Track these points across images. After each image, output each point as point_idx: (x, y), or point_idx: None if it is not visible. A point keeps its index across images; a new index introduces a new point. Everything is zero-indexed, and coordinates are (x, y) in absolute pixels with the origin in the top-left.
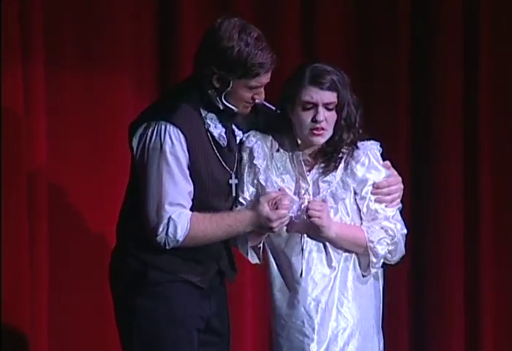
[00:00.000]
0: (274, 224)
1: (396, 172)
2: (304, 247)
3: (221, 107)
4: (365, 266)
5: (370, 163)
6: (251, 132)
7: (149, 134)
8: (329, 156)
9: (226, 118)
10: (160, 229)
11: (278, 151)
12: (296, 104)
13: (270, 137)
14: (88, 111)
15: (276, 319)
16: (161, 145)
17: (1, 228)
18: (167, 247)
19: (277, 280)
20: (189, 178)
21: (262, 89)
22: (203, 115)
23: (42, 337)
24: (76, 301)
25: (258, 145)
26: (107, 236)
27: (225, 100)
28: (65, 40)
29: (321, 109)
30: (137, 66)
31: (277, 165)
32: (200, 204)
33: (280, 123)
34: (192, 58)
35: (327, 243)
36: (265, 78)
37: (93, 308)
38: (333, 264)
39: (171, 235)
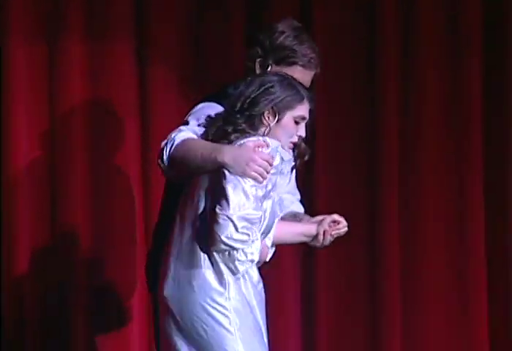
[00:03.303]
0: (254, 166)
1: None
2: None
3: None
4: None
5: None
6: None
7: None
8: None
9: None
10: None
11: None
12: (285, 115)
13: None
14: None
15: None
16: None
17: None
18: (166, 152)
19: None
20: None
21: None
22: None
23: None
24: None
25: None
26: None
27: None
28: None
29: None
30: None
31: None
32: None
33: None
34: None
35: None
36: (301, 74)
37: None
38: None
39: (170, 137)
